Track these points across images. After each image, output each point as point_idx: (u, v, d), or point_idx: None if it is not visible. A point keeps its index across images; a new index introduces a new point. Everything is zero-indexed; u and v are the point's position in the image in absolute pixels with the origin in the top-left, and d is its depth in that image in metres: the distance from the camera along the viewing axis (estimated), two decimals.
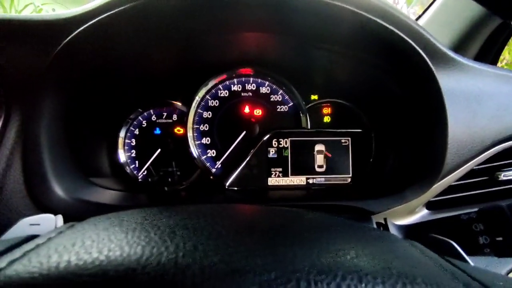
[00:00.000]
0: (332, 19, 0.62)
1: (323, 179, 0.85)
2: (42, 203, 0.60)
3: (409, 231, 0.56)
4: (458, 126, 0.66)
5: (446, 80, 0.66)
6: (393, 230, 0.55)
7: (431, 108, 0.66)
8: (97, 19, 0.57)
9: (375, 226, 0.56)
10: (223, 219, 0.31)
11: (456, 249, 0.43)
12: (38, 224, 0.41)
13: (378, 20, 0.59)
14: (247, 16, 0.67)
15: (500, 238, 0.46)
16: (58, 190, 0.62)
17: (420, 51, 0.61)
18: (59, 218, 0.56)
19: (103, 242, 0.25)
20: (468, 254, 0.49)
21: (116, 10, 0.56)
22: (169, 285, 0.21)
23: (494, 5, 0.28)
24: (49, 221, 0.42)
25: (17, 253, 0.24)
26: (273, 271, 0.21)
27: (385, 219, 0.57)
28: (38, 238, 0.27)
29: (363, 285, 0.21)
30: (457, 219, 0.51)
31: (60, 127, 0.65)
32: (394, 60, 0.69)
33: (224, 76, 0.84)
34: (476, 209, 0.51)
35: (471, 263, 0.41)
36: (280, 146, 0.84)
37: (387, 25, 0.59)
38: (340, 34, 0.68)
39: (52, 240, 0.26)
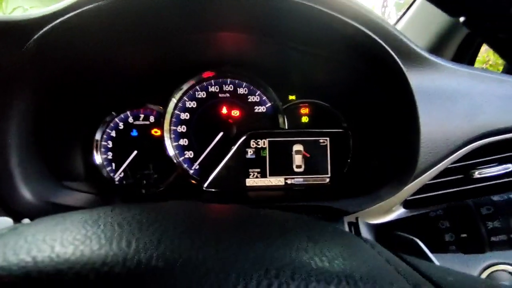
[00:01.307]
0: (306, 20, 0.63)
1: (301, 179, 0.84)
2: (8, 206, 0.59)
3: (379, 230, 0.56)
4: (431, 125, 0.66)
5: (419, 80, 0.67)
6: (363, 229, 0.55)
7: (403, 107, 0.66)
8: (65, 17, 0.56)
9: (346, 225, 0.56)
10: (174, 215, 0.30)
11: (420, 247, 0.43)
12: None
13: (349, 21, 0.59)
14: (223, 16, 0.67)
15: (465, 235, 0.46)
16: (26, 193, 0.60)
17: (390, 50, 0.61)
18: (25, 222, 0.55)
19: (36, 243, 0.24)
20: (434, 252, 0.49)
21: (84, 8, 0.55)
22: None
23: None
24: (5, 225, 0.41)
25: None
26: (212, 269, 0.21)
27: (356, 218, 0.57)
28: None
29: (296, 282, 0.21)
30: (425, 217, 0.51)
31: (30, 128, 0.64)
32: (366, 60, 0.69)
33: (201, 77, 0.84)
34: (443, 207, 0.51)
35: (435, 260, 0.41)
36: (258, 146, 0.83)
37: (358, 26, 0.60)
38: (314, 35, 0.68)
39: None
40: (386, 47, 0.62)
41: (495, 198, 0.46)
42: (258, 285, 0.20)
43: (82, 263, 0.21)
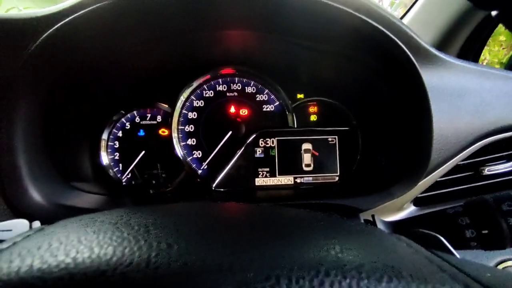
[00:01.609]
0: (317, 17, 0.62)
1: (310, 178, 0.84)
2: (18, 209, 0.57)
3: (397, 227, 0.55)
4: (442, 122, 0.66)
5: (430, 77, 0.67)
6: (380, 227, 0.54)
7: (416, 104, 0.66)
8: (70, 17, 0.55)
9: (362, 221, 0.55)
10: (199, 217, 0.29)
11: (443, 243, 0.43)
12: (10, 230, 0.39)
13: (363, 17, 0.59)
14: (228, 13, 0.66)
15: (486, 231, 0.46)
16: (35, 195, 0.59)
17: (404, 47, 0.61)
18: (36, 224, 0.54)
19: (72, 244, 0.23)
20: (455, 248, 0.49)
21: (90, 8, 0.54)
22: (142, 286, 0.19)
23: None
24: (22, 227, 0.40)
25: None
26: (251, 269, 0.20)
27: (372, 216, 0.57)
28: (2, 243, 0.25)
29: (348, 280, 0.20)
30: (443, 214, 0.50)
31: (37, 130, 0.62)
32: (379, 57, 0.69)
33: (208, 76, 0.83)
34: (462, 203, 0.51)
35: (458, 257, 0.41)
36: (267, 145, 0.83)
37: (372, 22, 0.59)
38: (326, 32, 0.68)
39: (18, 244, 0.25)
40: (399, 42, 0.61)
41: None
42: (310, 284, 0.20)
43: (126, 263, 0.21)
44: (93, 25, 0.57)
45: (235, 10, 0.64)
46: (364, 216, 0.60)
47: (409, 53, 0.61)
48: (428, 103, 0.64)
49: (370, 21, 0.59)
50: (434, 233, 0.45)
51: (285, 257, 0.22)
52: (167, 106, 0.83)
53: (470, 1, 0.29)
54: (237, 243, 0.24)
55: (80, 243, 0.23)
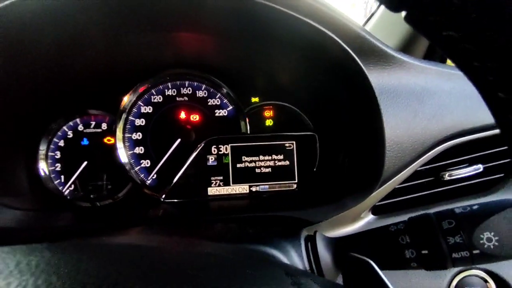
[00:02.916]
0: (264, 19, 0.58)
1: (267, 186, 0.80)
2: None
3: (338, 244, 0.51)
4: (397, 127, 0.62)
5: (385, 79, 0.63)
6: (321, 245, 0.50)
7: (366, 108, 0.62)
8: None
9: (302, 241, 0.51)
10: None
11: (374, 269, 0.39)
12: None
13: (305, 19, 0.55)
14: (178, 15, 0.61)
15: (426, 251, 0.42)
16: None
17: (347, 48, 0.57)
18: None
19: None
20: (396, 269, 0.45)
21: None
22: None
23: None
24: None
25: None
26: None
27: (314, 232, 0.53)
28: None
29: None
30: (385, 231, 0.47)
31: None
32: (328, 60, 0.65)
33: (156, 80, 0.77)
34: (405, 219, 0.47)
35: (388, 284, 0.37)
36: (220, 153, 0.78)
37: (314, 23, 0.55)
38: (274, 35, 0.63)
39: None
40: (344, 45, 0.57)
41: (457, 210, 0.42)
42: None
43: None
44: (20, 20, 0.52)
45: (185, 12, 0.60)
46: (307, 231, 0.56)
47: (353, 54, 0.57)
48: (378, 106, 0.60)
49: (315, 24, 0.55)
50: (365, 258, 0.41)
51: None
52: (112, 113, 0.78)
53: (380, 3, 0.25)
54: None
55: None
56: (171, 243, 0.33)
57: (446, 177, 0.74)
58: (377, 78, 0.61)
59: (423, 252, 0.42)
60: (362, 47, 0.61)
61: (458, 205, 0.69)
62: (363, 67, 0.58)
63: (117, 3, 0.56)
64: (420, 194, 0.75)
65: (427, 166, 0.72)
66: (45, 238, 0.62)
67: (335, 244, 0.51)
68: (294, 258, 0.46)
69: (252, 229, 0.55)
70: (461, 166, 0.75)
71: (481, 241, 0.39)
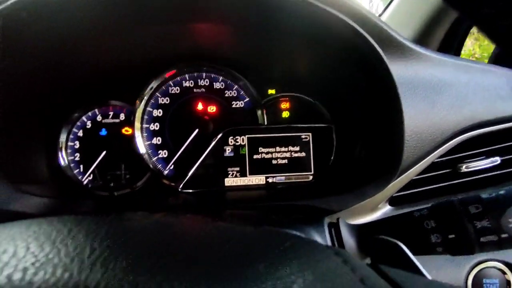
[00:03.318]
0: (283, 10, 0.58)
1: (283, 177, 0.80)
2: None
3: (362, 231, 0.52)
4: (416, 117, 0.63)
5: (403, 70, 0.63)
6: (344, 231, 0.51)
7: (386, 99, 0.63)
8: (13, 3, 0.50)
9: (326, 226, 0.52)
10: (139, 240, 0.25)
11: (404, 251, 0.39)
12: None
13: (327, 8, 0.55)
14: (198, 6, 0.62)
15: (452, 236, 0.42)
16: None
17: (371, 39, 0.57)
18: None
19: None
20: (421, 254, 0.45)
21: None
22: None
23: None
24: None
25: None
26: None
27: (337, 219, 0.53)
28: None
29: None
30: (409, 216, 0.47)
31: None
32: (348, 50, 0.65)
33: (174, 71, 0.78)
34: (429, 205, 0.48)
35: (419, 265, 0.38)
36: (236, 144, 0.79)
37: (337, 13, 0.56)
38: (292, 26, 0.64)
39: None
40: (367, 35, 0.58)
41: (484, 195, 0.43)
42: None
43: None
44: (44, 15, 0.53)
45: (204, 3, 0.60)
46: (330, 219, 0.56)
47: (376, 45, 0.58)
48: (398, 98, 0.60)
49: (338, 13, 0.55)
50: (395, 241, 0.41)
51: None
52: (130, 103, 0.79)
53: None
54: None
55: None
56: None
57: (463, 169, 0.74)
58: (396, 69, 0.62)
59: (450, 236, 0.43)
60: (382, 38, 0.61)
61: None
62: (384, 57, 0.58)
63: None
64: (437, 185, 0.75)
65: (444, 158, 0.72)
66: None
67: (359, 230, 0.51)
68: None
69: (275, 216, 0.56)
70: (478, 158, 0.75)
71: (510, 225, 0.39)
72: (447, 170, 0.75)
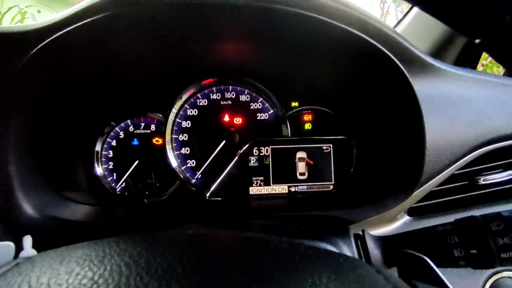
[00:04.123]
0: (306, 29, 0.61)
1: (305, 187, 0.84)
2: (9, 221, 0.58)
3: (386, 243, 0.55)
4: (436, 133, 0.65)
5: (424, 86, 0.66)
6: (370, 242, 0.54)
7: (408, 115, 0.65)
8: (64, 31, 0.55)
9: (352, 238, 0.55)
10: (179, 253, 0.29)
11: (430, 266, 0.43)
12: None
13: (349, 29, 0.58)
14: (224, 26, 0.66)
15: (475, 251, 0.45)
16: (27, 207, 0.59)
17: (393, 57, 0.60)
18: (27, 240, 0.54)
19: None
20: (444, 266, 0.48)
21: (85, 21, 0.54)
22: None
23: (456, 25, 0.27)
24: (7, 251, 0.40)
25: None
26: None
27: (363, 231, 0.56)
28: None
29: None
30: (432, 231, 0.50)
31: (29, 142, 0.62)
32: (369, 67, 0.68)
33: (202, 85, 0.82)
34: (452, 220, 0.51)
35: (446, 282, 0.41)
36: (261, 154, 0.83)
37: (358, 33, 0.59)
38: (315, 43, 0.67)
39: None
40: (388, 53, 0.61)
41: (505, 213, 0.46)
42: None
43: None
44: (87, 37, 0.57)
45: (231, 23, 0.64)
46: (355, 229, 0.59)
47: (398, 63, 0.61)
48: (421, 113, 0.63)
49: (359, 33, 0.58)
50: (420, 255, 0.44)
51: None
52: (160, 115, 0.83)
53: (455, 30, 0.28)
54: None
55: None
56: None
57: (481, 181, 0.76)
58: (418, 85, 0.64)
59: (472, 251, 0.46)
60: (403, 55, 0.64)
61: (493, 209, 0.72)
62: (407, 75, 0.61)
63: (177, 17, 0.60)
64: (455, 197, 0.77)
65: (463, 170, 0.74)
66: (106, 232, 0.68)
67: (383, 243, 0.54)
68: (347, 253, 0.50)
69: (302, 226, 0.59)
70: (496, 171, 0.77)
71: None
72: (465, 182, 0.77)
